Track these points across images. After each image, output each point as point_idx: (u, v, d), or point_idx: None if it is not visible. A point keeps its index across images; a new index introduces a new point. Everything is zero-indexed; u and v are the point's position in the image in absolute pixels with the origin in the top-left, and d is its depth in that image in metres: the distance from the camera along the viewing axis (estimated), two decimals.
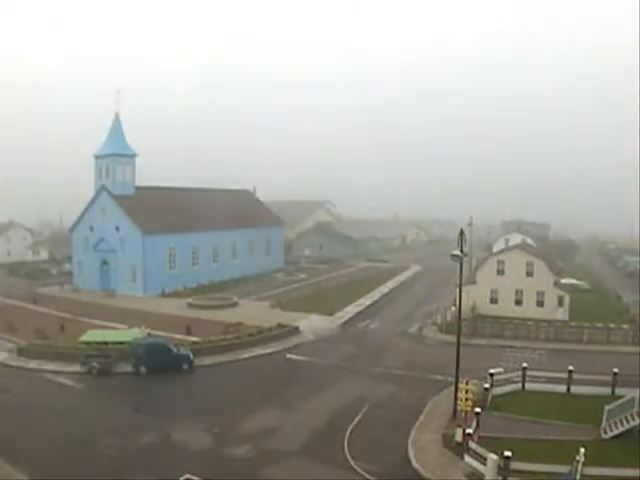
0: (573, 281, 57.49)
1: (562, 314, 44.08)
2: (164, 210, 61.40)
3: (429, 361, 33.48)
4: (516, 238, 72.46)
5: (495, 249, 67.85)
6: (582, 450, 17.51)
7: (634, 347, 35.38)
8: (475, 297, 45.50)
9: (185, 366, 31.56)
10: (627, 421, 21.15)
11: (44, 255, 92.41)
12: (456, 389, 23.18)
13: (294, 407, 26.15)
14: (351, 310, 49.42)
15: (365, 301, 54.03)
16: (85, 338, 35.35)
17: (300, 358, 34.71)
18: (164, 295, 56.12)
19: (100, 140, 60.95)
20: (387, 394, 27.83)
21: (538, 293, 45.12)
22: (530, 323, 41.16)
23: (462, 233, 24.53)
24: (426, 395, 27.19)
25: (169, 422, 24.05)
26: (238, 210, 74.44)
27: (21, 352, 33.87)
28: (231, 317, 43.85)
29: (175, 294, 56.23)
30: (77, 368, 30.96)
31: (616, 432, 21.21)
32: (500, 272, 46.54)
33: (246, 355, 34.60)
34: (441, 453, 20.95)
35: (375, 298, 56.15)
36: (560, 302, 44.56)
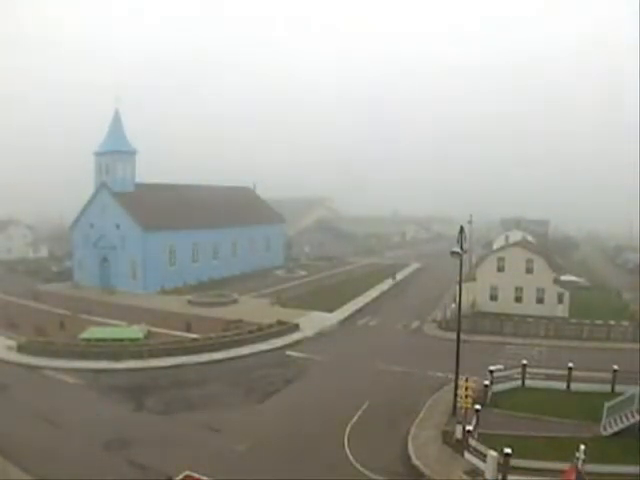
0: (573, 278, 57.52)
1: (562, 311, 44.13)
2: (164, 207, 61.38)
3: (429, 358, 33.46)
4: (516, 235, 72.47)
5: (495, 246, 67.88)
6: (582, 447, 17.50)
7: (634, 344, 35.34)
8: (475, 294, 45.56)
9: None
10: (627, 418, 21.16)
11: (44, 252, 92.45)
12: (456, 386, 23.19)
13: (293, 404, 26.17)
14: (351, 307, 49.41)
15: (365, 298, 54.00)
16: (86, 335, 35.63)
17: (300, 355, 34.73)
18: (164, 292, 56.16)
19: (100, 136, 61.01)
20: (387, 391, 27.81)
21: (538, 290, 45.13)
22: (530, 320, 41.19)
23: (462, 230, 24.48)
24: (426, 392, 27.21)
25: (168, 417, 24.13)
26: (238, 207, 74.62)
27: (21, 349, 33.92)
28: (231, 314, 43.91)
29: (175, 291, 56.30)
30: (77, 365, 30.99)
31: (616, 429, 21.21)
32: (500, 269, 46.57)
33: (246, 352, 34.64)
34: (441, 450, 20.96)
35: (375, 295, 56.15)
36: (560, 299, 44.59)
